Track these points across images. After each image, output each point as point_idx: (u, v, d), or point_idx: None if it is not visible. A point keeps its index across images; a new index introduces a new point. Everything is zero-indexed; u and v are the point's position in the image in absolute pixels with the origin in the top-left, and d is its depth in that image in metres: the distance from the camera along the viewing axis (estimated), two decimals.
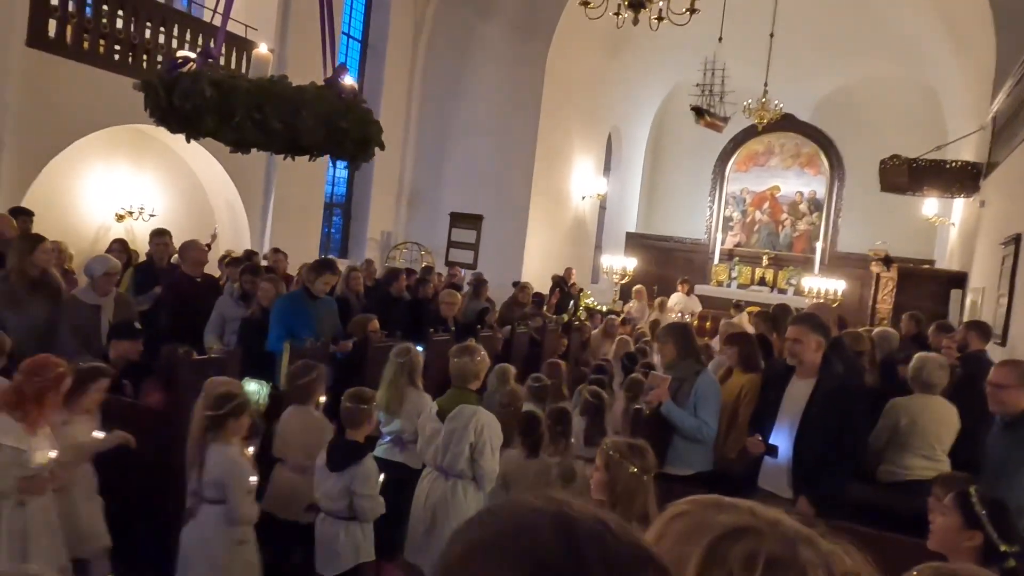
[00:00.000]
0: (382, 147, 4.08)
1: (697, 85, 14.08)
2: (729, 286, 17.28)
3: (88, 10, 8.54)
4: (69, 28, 8.31)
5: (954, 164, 10.54)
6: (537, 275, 13.05)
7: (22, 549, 3.19)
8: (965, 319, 8.72)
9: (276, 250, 8.57)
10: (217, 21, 5.02)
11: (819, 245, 17.17)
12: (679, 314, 12.25)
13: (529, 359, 8.24)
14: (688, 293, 13.50)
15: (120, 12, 8.79)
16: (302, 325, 5.56)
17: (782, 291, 16.79)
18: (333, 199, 13.69)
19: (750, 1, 12.39)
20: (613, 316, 10.47)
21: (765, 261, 17.59)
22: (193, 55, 3.60)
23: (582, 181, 15.71)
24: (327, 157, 4.07)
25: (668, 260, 17.94)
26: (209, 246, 8.68)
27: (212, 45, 3.92)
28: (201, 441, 3.48)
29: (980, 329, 6.34)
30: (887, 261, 11.63)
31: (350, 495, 3.72)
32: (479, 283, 9.29)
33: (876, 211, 15.30)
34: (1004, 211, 7.89)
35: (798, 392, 4.07)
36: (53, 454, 3.30)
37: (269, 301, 5.86)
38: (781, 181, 17.95)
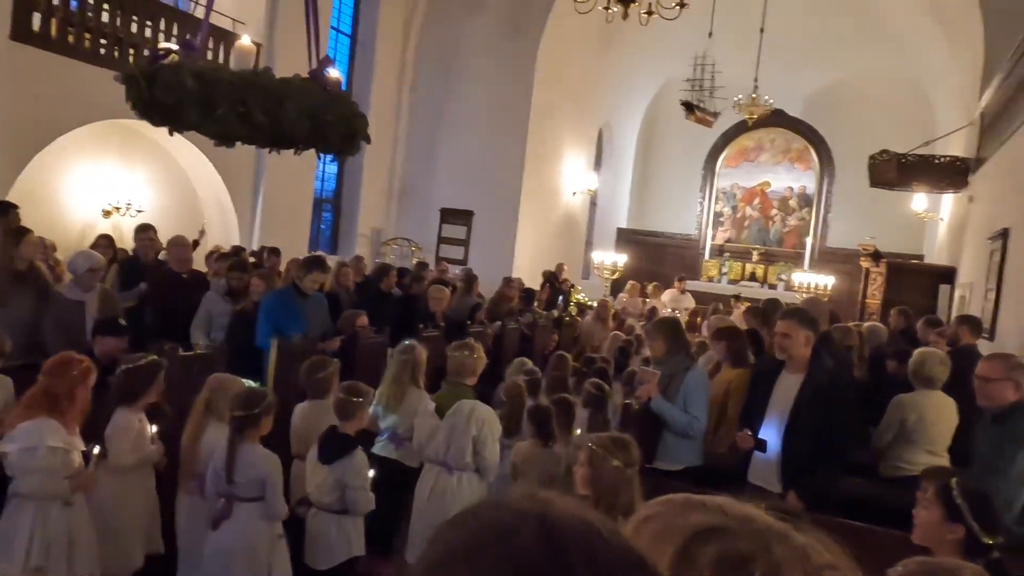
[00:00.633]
0: (368, 140, 4.05)
1: (687, 80, 14.08)
2: (720, 281, 17.32)
3: (73, 4, 8.45)
4: (54, 22, 8.22)
5: (943, 159, 10.58)
6: (528, 271, 13.04)
7: (68, 554, 3.24)
8: (954, 314, 8.76)
9: (273, 251, 8.49)
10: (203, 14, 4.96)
11: (809, 240, 17.22)
12: (671, 310, 12.26)
13: (520, 355, 8.22)
14: (683, 291, 13.52)
15: (105, 6, 8.70)
16: (291, 322, 5.52)
17: (772, 286, 16.84)
18: (323, 195, 13.63)
19: None
20: (605, 300, 10.52)
21: (755, 257, 17.64)
22: (175, 47, 3.56)
23: (573, 177, 15.69)
24: (316, 152, 4.02)
25: (659, 256, 17.96)
26: (197, 242, 8.63)
27: (192, 37, 3.87)
28: (231, 442, 3.49)
29: (972, 324, 6.37)
30: (876, 256, 11.68)
31: (341, 488, 3.74)
32: (470, 279, 9.26)
33: (866, 206, 15.36)
34: (992, 206, 7.92)
35: (787, 386, 4.07)
36: (96, 449, 3.33)
37: (260, 297, 5.82)
38: (771, 177, 17.99)
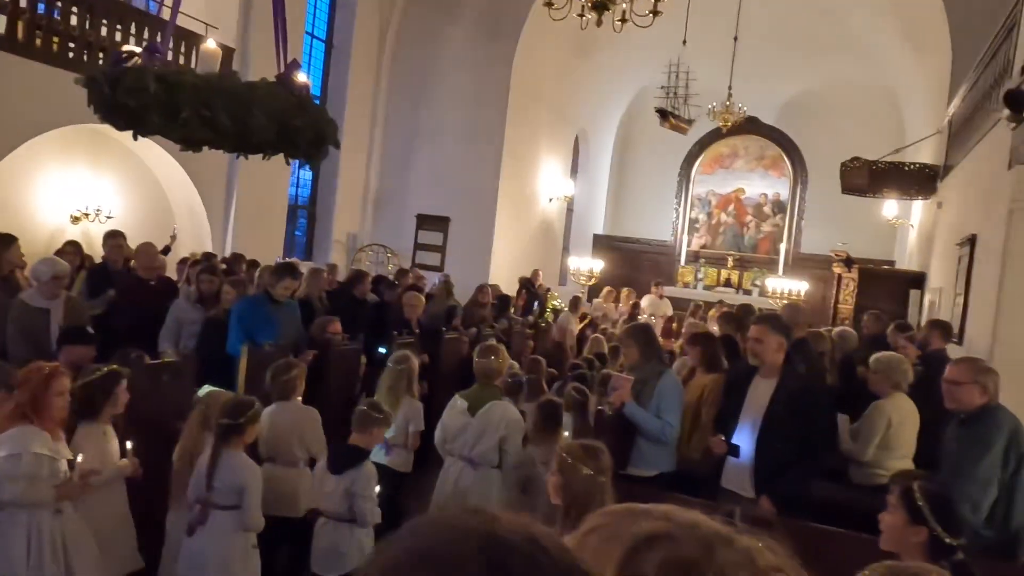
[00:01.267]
0: (337, 146, 4.00)
1: (662, 88, 14.18)
2: (695, 287, 17.44)
3: (41, 7, 8.31)
4: (21, 25, 8.07)
5: (912, 167, 10.74)
6: (505, 277, 13.02)
7: (65, 560, 3.26)
8: (924, 319, 8.88)
9: (251, 264, 8.39)
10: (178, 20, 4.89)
11: (783, 246, 17.40)
12: (649, 315, 12.31)
13: None
14: (660, 296, 13.59)
15: (74, 9, 8.57)
16: (262, 329, 5.45)
17: (747, 292, 16.99)
18: (298, 201, 13.52)
19: (714, 5, 12.51)
20: (578, 296, 10.58)
21: (730, 262, 17.78)
22: (138, 49, 3.50)
23: (549, 183, 15.72)
24: (284, 158, 3.97)
25: (635, 262, 18.04)
26: (169, 248, 8.51)
27: (157, 40, 3.81)
28: (215, 448, 3.53)
29: (942, 328, 6.45)
30: (848, 262, 11.82)
31: (350, 498, 3.84)
32: (446, 284, 9.23)
33: (838, 213, 15.55)
34: (960, 212, 8.05)
35: (760, 392, 4.09)
36: (79, 458, 3.32)
37: (232, 304, 5.74)
38: (746, 183, 18.16)
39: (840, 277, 12.17)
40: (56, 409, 3.30)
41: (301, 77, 3.61)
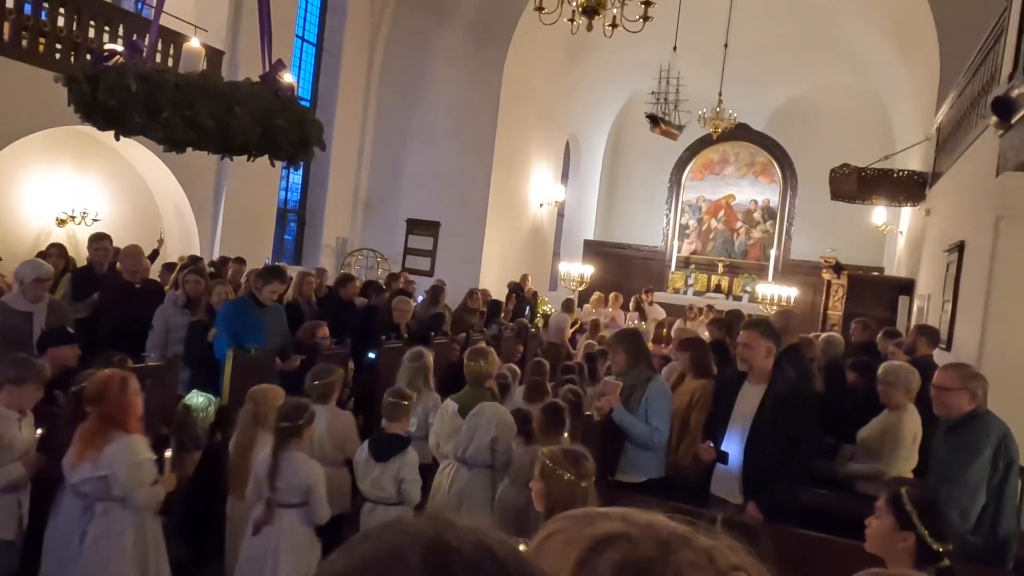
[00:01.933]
0: (323, 147, 3.97)
1: (652, 93, 14.20)
2: (686, 293, 17.46)
3: (27, 7, 8.24)
4: (7, 25, 8.00)
5: (901, 173, 10.77)
6: (495, 282, 12.99)
7: (157, 560, 3.50)
8: (913, 325, 8.90)
9: (237, 260, 8.32)
10: (165, 20, 4.86)
11: (773, 253, 17.45)
12: (636, 321, 12.30)
13: None
14: (651, 303, 13.58)
15: (61, 10, 8.50)
16: (248, 332, 5.40)
17: (737, 298, 17.02)
18: (287, 204, 13.46)
19: (704, 11, 12.55)
20: (571, 299, 10.60)
21: (720, 268, 17.82)
22: (120, 48, 3.45)
23: (540, 188, 15.71)
24: (269, 159, 3.92)
25: (625, 267, 18.05)
26: (157, 252, 8.43)
27: (138, 38, 3.77)
28: (275, 450, 3.72)
29: (928, 334, 6.45)
30: (838, 268, 11.85)
31: (398, 483, 4.09)
32: (436, 290, 9.17)
33: (828, 219, 15.61)
34: (948, 219, 8.08)
35: (749, 398, 4.07)
36: (168, 453, 3.62)
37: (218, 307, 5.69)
38: (736, 190, 18.22)
39: (829, 283, 12.19)
40: (139, 408, 3.48)
41: (287, 78, 3.58)
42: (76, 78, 3.32)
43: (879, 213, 12.97)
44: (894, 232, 13.37)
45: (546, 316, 12.66)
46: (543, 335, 9.86)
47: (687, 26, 12.33)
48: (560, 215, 17.49)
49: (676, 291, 17.55)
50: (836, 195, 11.29)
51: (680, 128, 14.34)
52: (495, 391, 5.06)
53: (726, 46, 12.60)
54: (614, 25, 7.31)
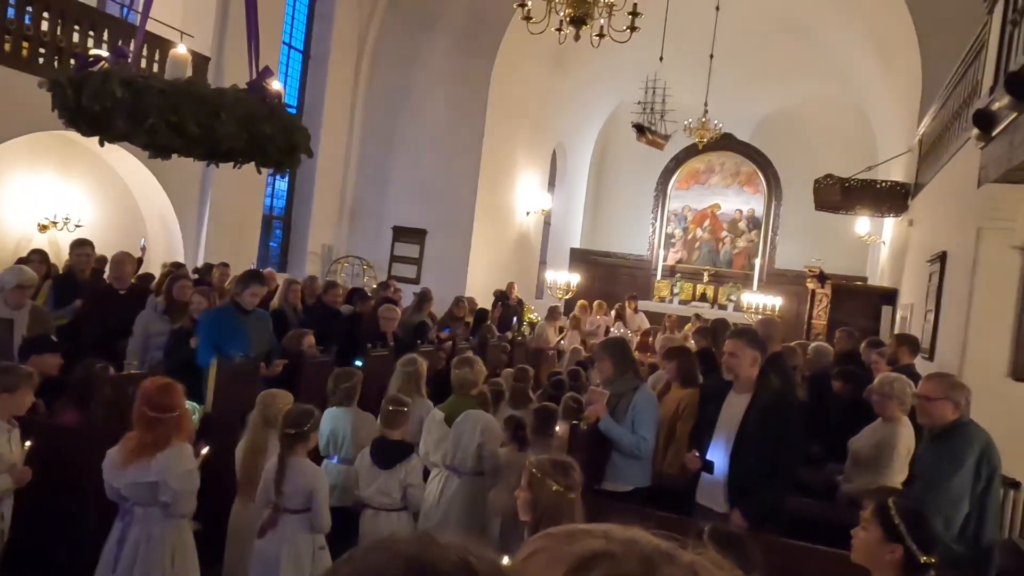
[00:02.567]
0: (310, 154, 3.95)
1: (639, 103, 14.28)
2: (671, 302, 17.53)
3: (11, 11, 8.16)
4: None
5: (884, 184, 10.88)
6: (482, 290, 12.96)
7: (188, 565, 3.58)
8: (893, 334, 8.97)
9: (222, 264, 8.26)
10: (151, 26, 4.83)
11: (758, 262, 17.57)
12: (622, 329, 12.33)
13: None
14: (636, 311, 13.62)
15: (46, 14, 8.43)
16: (231, 339, 5.34)
17: (722, 307, 17.11)
18: (273, 211, 13.39)
19: (690, 22, 12.65)
20: (555, 307, 10.62)
21: (706, 277, 17.91)
22: (105, 54, 3.42)
23: (527, 196, 15.73)
24: (255, 166, 3.90)
25: (612, 276, 18.10)
26: (141, 260, 8.36)
27: (123, 44, 3.74)
28: (282, 456, 3.77)
29: (909, 343, 6.49)
30: (822, 278, 11.94)
31: (403, 488, 4.19)
32: (423, 298, 9.13)
33: (812, 229, 15.73)
34: (930, 230, 8.16)
35: (735, 407, 4.08)
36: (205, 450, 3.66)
37: (200, 314, 5.63)
38: (721, 199, 18.34)
39: (814, 293, 12.28)
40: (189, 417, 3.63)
41: (275, 85, 3.56)
42: (60, 83, 3.28)
43: (863, 223, 13.08)
44: (877, 242, 13.49)
45: (532, 324, 12.65)
46: (534, 340, 9.88)
47: (674, 37, 12.42)
48: (546, 223, 17.52)
49: (662, 300, 17.63)
50: (820, 205, 11.39)
51: (666, 138, 14.43)
52: (487, 398, 5.06)
53: (712, 57, 12.70)
54: (601, 35, 7.34)
